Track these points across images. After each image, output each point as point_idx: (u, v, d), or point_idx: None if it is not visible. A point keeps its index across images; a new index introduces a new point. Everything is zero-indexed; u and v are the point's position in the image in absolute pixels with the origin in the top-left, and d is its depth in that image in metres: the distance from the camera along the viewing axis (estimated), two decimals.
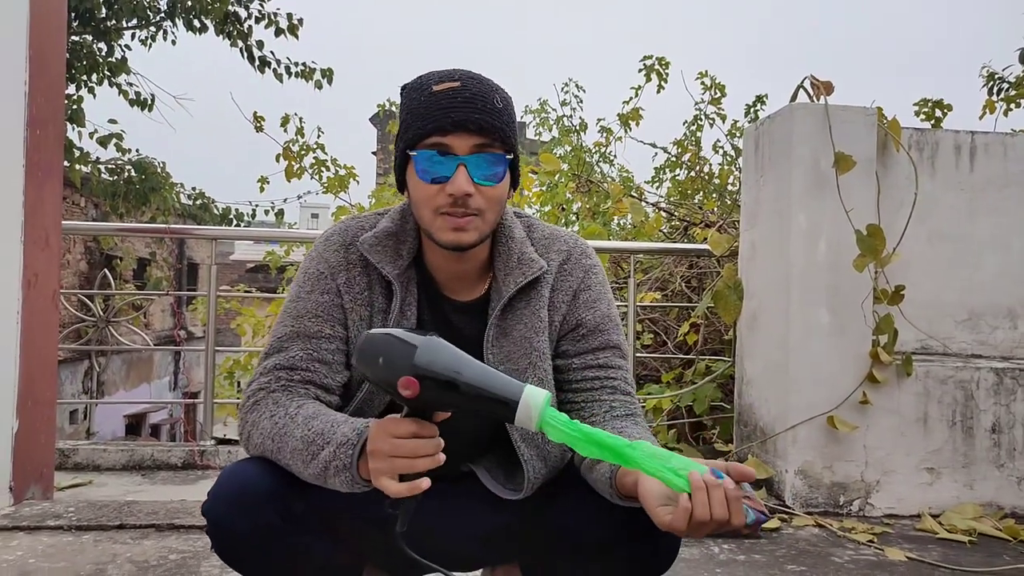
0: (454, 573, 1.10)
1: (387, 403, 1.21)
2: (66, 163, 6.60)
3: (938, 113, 4.23)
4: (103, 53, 7.65)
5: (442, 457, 0.98)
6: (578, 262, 1.26)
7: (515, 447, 1.20)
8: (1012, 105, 5.38)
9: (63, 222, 2.73)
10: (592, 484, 1.14)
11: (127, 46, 7.90)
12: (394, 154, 1.21)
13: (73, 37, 7.22)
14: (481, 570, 1.45)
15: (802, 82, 2.68)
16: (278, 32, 7.99)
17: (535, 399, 0.93)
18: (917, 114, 4.28)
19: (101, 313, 3.87)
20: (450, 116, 1.09)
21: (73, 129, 7.13)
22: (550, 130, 6.39)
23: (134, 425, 12.50)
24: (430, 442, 0.97)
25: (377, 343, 0.96)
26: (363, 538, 1.22)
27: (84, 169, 7.70)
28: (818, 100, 2.63)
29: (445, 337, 1.22)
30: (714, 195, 5.07)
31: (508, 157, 1.14)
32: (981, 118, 4.72)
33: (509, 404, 0.94)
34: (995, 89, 5.65)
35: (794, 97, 2.69)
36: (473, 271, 1.23)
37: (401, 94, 1.20)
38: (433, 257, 1.22)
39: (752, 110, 5.96)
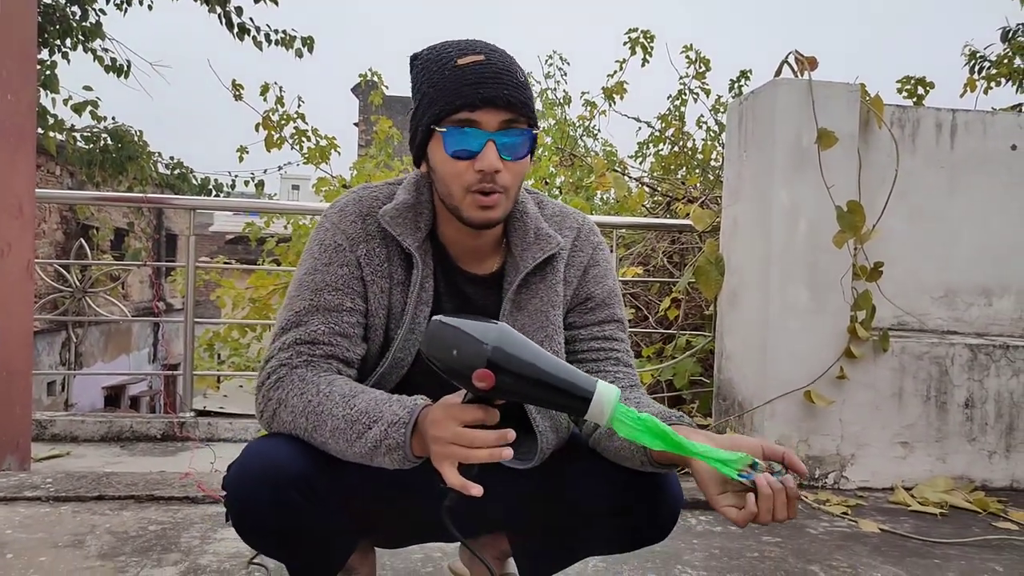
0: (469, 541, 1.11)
1: (403, 376, 1.21)
2: (40, 130, 6.46)
3: (920, 91, 4.25)
4: (77, 17, 7.46)
5: (509, 452, 0.97)
6: (587, 239, 1.30)
7: (530, 419, 1.21)
8: (993, 84, 5.41)
9: (37, 191, 2.67)
10: (610, 453, 1.17)
11: (102, 10, 7.71)
12: (412, 128, 1.19)
13: (46, 0, 7.03)
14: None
15: (786, 57, 2.67)
16: None
17: (609, 396, 0.93)
18: (900, 91, 4.29)
19: (78, 284, 3.82)
20: (479, 92, 1.09)
21: (47, 95, 6.97)
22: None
23: (113, 397, 12.42)
24: (493, 432, 0.97)
25: (451, 332, 0.95)
26: (376, 514, 1.24)
27: (59, 137, 7.54)
28: (802, 75, 2.63)
29: (462, 309, 1.23)
30: (697, 170, 5.08)
31: (534, 132, 1.15)
32: (962, 96, 4.74)
33: (583, 399, 0.94)
34: (976, 68, 5.67)
35: (778, 72, 2.68)
36: (487, 245, 1.25)
37: (414, 65, 1.17)
38: (448, 230, 1.23)
39: (736, 85, 5.96)
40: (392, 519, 1.28)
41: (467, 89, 1.09)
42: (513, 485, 1.21)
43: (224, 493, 1.12)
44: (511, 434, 0.97)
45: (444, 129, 1.11)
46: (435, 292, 1.22)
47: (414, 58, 1.18)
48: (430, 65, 1.14)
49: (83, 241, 3.92)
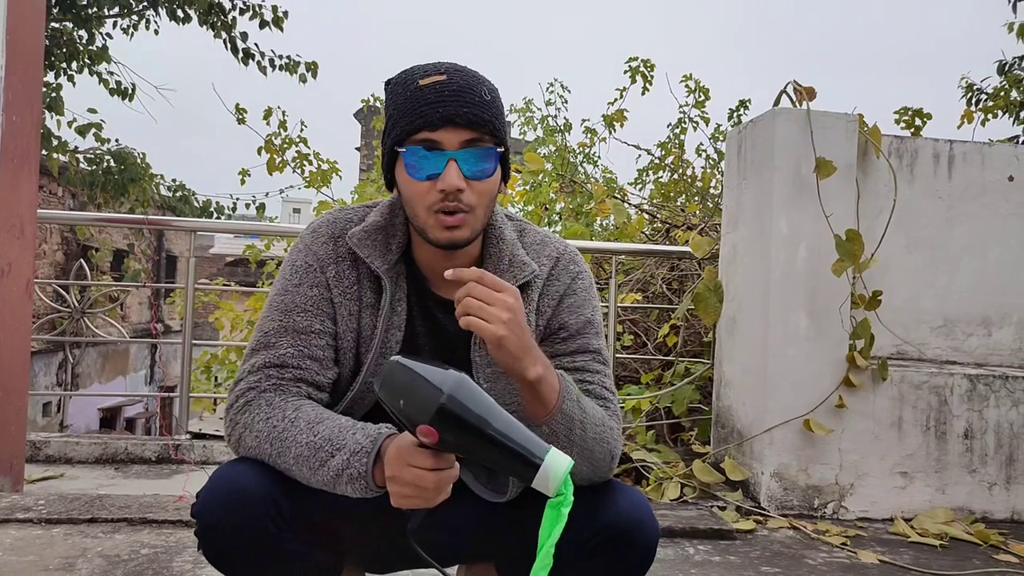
0: (448, 570, 1.09)
1: (375, 401, 1.19)
2: (43, 152, 6.51)
3: (918, 122, 4.28)
4: (84, 41, 7.55)
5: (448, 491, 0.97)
6: (566, 268, 1.26)
7: None
8: (990, 115, 5.46)
9: (39, 211, 2.68)
10: None
11: (108, 34, 7.80)
12: (381, 151, 1.19)
13: (53, 24, 7.11)
14: (457, 567, 1.44)
15: (785, 87, 2.70)
16: (263, 24, 7.92)
17: (558, 465, 0.90)
18: (897, 122, 4.32)
19: (76, 304, 3.82)
20: (438, 111, 1.08)
21: (51, 117, 7.03)
22: (535, 129, 6.39)
23: (108, 419, 12.35)
24: (448, 474, 0.96)
25: (402, 380, 0.93)
26: (349, 537, 1.21)
27: (62, 158, 7.59)
28: (800, 105, 2.65)
29: (432, 334, 1.21)
30: (696, 198, 5.10)
31: (499, 150, 1.13)
32: (959, 127, 4.78)
33: (531, 464, 0.90)
34: (973, 99, 5.73)
35: (777, 102, 2.71)
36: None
37: (386, 90, 1.18)
38: (422, 253, 1.21)
39: (735, 114, 6.01)
40: (367, 543, 1.25)
41: (426, 109, 1.08)
42: (487, 518, 1.19)
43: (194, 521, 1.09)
44: (456, 475, 0.97)
45: (405, 149, 1.10)
46: (408, 316, 1.20)
47: (387, 83, 1.18)
48: (396, 88, 1.14)
49: (83, 262, 3.93)
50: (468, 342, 1.20)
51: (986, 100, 5.61)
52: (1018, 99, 5.63)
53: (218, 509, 1.06)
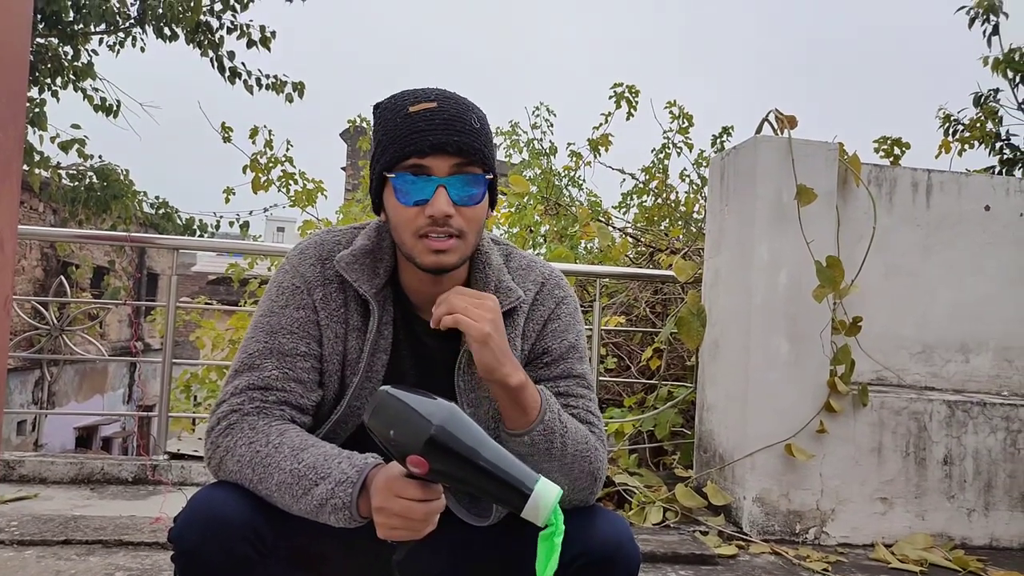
0: None
1: (359, 425, 1.18)
2: (25, 167, 6.46)
3: (896, 151, 4.36)
4: (69, 57, 7.53)
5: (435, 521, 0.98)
6: (551, 292, 1.26)
7: None
8: (966, 146, 5.57)
9: (19, 227, 2.66)
10: None
11: (94, 51, 7.79)
12: (370, 175, 1.19)
13: (38, 40, 7.09)
14: None
15: (767, 115, 2.75)
16: (250, 44, 7.94)
17: (548, 494, 0.90)
18: (876, 151, 4.40)
19: (55, 321, 3.77)
20: (428, 138, 1.09)
21: (34, 132, 6.98)
22: (520, 152, 6.43)
23: (85, 438, 12.16)
24: (437, 505, 0.96)
25: (393, 411, 0.92)
26: (330, 567, 1.20)
27: (44, 174, 7.53)
28: (782, 133, 2.69)
29: (417, 359, 1.21)
30: (680, 222, 5.14)
31: (487, 177, 1.14)
32: (937, 157, 4.87)
33: (522, 494, 0.90)
34: (951, 130, 5.84)
35: (759, 130, 2.75)
36: None
37: (374, 114, 1.18)
38: (409, 278, 1.21)
39: (718, 140, 6.08)
40: (350, 573, 1.23)
41: (416, 136, 1.09)
42: (471, 545, 1.18)
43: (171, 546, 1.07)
44: (443, 505, 0.97)
45: (394, 175, 1.11)
46: (394, 340, 1.20)
47: (375, 107, 1.19)
48: (385, 113, 1.15)
49: (63, 279, 3.89)
50: (452, 367, 1.20)
51: (963, 131, 5.72)
52: (993, 130, 5.75)
53: (197, 534, 1.04)
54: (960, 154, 5.52)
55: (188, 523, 1.05)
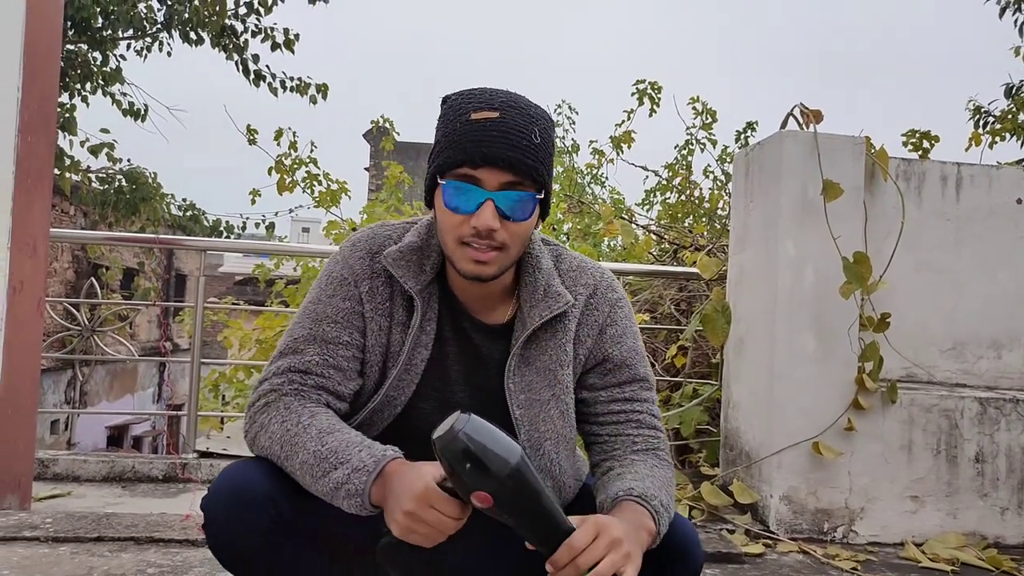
0: None
1: (396, 415, 1.21)
2: (56, 171, 6.58)
3: (925, 144, 4.28)
4: (98, 62, 7.66)
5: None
6: (604, 296, 1.26)
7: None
8: (997, 138, 5.47)
9: (51, 230, 2.71)
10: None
11: (122, 56, 7.91)
12: (426, 171, 1.20)
13: (68, 46, 7.22)
14: None
15: (792, 110, 2.72)
16: (274, 47, 8.02)
17: None
18: (905, 144, 4.33)
19: (86, 322, 3.84)
20: (481, 150, 1.08)
21: (64, 137, 7.12)
22: None
23: (116, 437, 12.37)
24: (462, 523, 0.99)
25: (477, 442, 0.91)
26: (351, 551, 1.22)
27: (74, 177, 7.68)
28: (807, 128, 2.66)
29: (463, 356, 1.23)
30: (704, 219, 5.11)
31: (538, 197, 1.13)
32: (967, 150, 4.78)
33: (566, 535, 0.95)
34: (981, 122, 5.74)
35: (784, 124, 2.72)
36: (496, 294, 1.23)
37: (442, 107, 1.18)
38: (455, 277, 1.22)
39: (742, 136, 6.03)
40: (361, 560, 1.24)
41: (470, 146, 1.09)
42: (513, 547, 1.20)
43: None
44: (463, 522, 0.99)
45: (444, 182, 1.12)
46: (438, 336, 1.22)
47: (444, 100, 1.18)
48: (449, 113, 1.15)
49: (94, 280, 3.96)
50: (502, 367, 1.21)
51: (993, 123, 5.61)
52: None
53: (221, 505, 1.09)
54: (991, 146, 5.41)
55: (215, 491, 1.11)
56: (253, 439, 1.16)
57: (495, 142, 1.08)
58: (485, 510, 0.94)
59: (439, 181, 1.13)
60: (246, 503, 1.08)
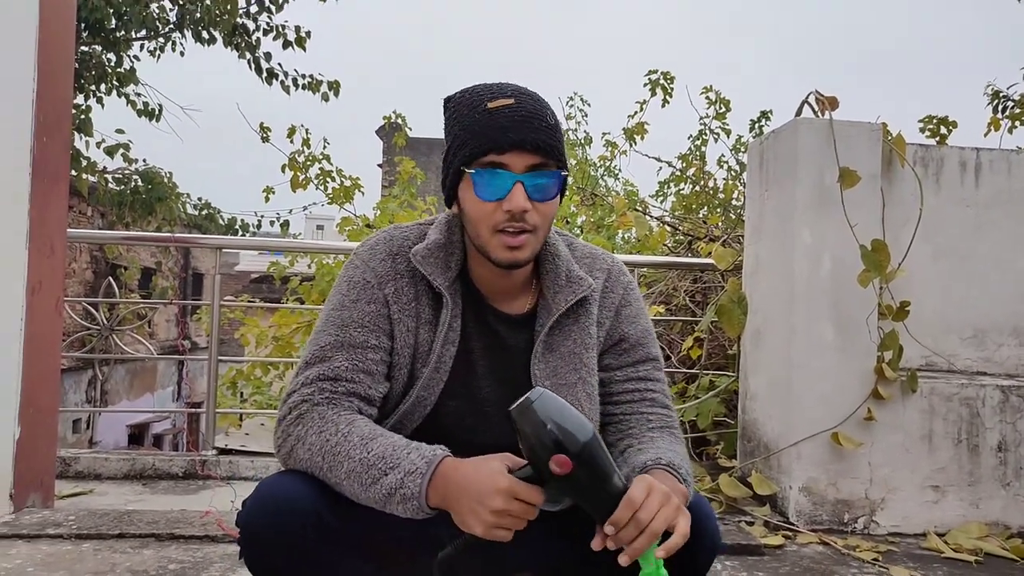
0: None
1: (425, 416, 1.21)
2: (73, 172, 6.64)
3: (943, 130, 4.22)
4: (112, 63, 7.71)
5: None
6: (618, 279, 1.32)
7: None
8: (1017, 123, 5.38)
9: (69, 231, 2.73)
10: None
11: (136, 57, 7.96)
12: (444, 169, 1.22)
13: (82, 47, 7.27)
14: None
15: (807, 97, 2.69)
16: (286, 44, 8.05)
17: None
18: (922, 130, 4.27)
19: (105, 322, 3.87)
20: (508, 135, 1.11)
21: (80, 138, 7.18)
22: None
23: (137, 435, 12.49)
24: (537, 510, 1.00)
25: (554, 408, 0.97)
26: (394, 559, 1.21)
27: (91, 178, 7.74)
28: (823, 115, 2.63)
29: (488, 348, 1.25)
30: (718, 209, 5.07)
31: (564, 174, 1.17)
32: (986, 135, 4.71)
33: None
34: (1000, 107, 5.65)
35: (799, 112, 2.69)
36: (517, 284, 1.26)
37: (446, 107, 1.21)
38: (479, 270, 1.24)
39: (757, 125, 5.98)
40: (411, 567, 1.24)
41: (496, 132, 1.12)
42: (541, 530, 1.19)
43: (238, 530, 1.11)
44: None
45: (473, 171, 1.13)
46: (463, 331, 1.23)
47: (447, 101, 1.21)
48: (461, 108, 1.17)
49: (112, 280, 3.99)
50: (527, 354, 1.22)
51: (1012, 107, 5.53)
52: None
53: (263, 518, 1.07)
54: (1011, 131, 5.33)
55: (255, 507, 1.08)
56: (289, 452, 1.13)
57: (518, 127, 1.12)
58: (557, 481, 0.96)
59: (467, 171, 1.14)
60: (288, 516, 1.06)
